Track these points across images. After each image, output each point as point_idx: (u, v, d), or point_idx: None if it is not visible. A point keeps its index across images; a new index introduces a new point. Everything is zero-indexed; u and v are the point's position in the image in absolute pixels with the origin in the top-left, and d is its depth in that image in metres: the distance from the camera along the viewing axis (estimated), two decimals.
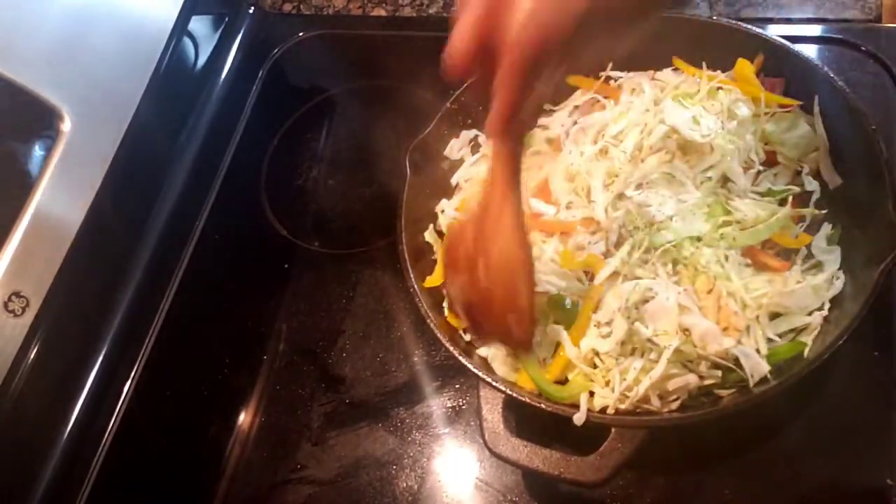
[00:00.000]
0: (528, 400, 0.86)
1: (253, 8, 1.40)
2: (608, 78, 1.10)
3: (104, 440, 1.01)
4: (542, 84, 0.66)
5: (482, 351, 0.94)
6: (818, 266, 0.92)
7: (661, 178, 0.96)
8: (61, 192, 0.97)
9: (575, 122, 1.06)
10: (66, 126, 0.98)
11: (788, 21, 1.20)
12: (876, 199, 0.88)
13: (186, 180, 1.21)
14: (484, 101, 0.66)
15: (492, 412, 0.86)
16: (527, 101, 0.65)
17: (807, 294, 0.88)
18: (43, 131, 0.98)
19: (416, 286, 0.96)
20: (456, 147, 1.11)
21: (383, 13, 1.39)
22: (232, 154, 1.26)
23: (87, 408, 1.02)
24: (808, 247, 0.93)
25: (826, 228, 0.94)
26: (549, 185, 1.02)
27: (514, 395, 0.86)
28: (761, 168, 0.98)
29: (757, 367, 0.84)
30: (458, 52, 0.63)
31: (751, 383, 0.83)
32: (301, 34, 1.38)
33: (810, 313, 0.88)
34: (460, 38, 0.63)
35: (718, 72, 1.04)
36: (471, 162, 1.10)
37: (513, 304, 0.74)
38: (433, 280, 0.99)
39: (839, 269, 0.91)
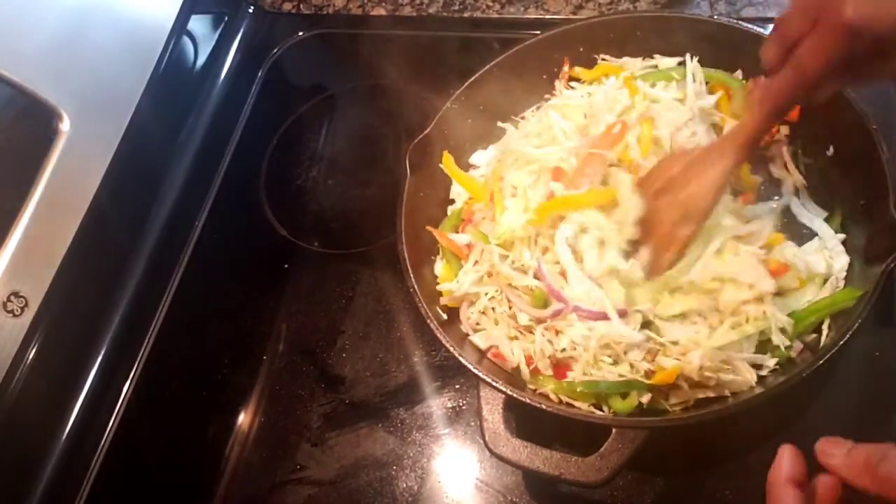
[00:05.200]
0: (528, 400, 0.86)
1: (252, 7, 1.40)
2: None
3: (103, 440, 1.01)
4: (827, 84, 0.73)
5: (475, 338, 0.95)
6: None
7: None
8: (60, 192, 0.97)
9: None
10: (66, 125, 0.98)
11: None
12: (876, 199, 0.88)
13: (186, 180, 1.21)
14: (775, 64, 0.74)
15: (492, 412, 0.86)
16: (809, 87, 0.73)
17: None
18: (42, 130, 0.97)
19: (415, 286, 0.95)
20: (482, 159, 1.11)
21: (383, 12, 1.38)
22: (231, 154, 1.26)
23: (86, 408, 1.02)
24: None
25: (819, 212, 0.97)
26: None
27: (515, 395, 0.86)
28: None
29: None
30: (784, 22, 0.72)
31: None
32: (301, 33, 1.38)
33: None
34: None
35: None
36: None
37: (674, 230, 0.87)
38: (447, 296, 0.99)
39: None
